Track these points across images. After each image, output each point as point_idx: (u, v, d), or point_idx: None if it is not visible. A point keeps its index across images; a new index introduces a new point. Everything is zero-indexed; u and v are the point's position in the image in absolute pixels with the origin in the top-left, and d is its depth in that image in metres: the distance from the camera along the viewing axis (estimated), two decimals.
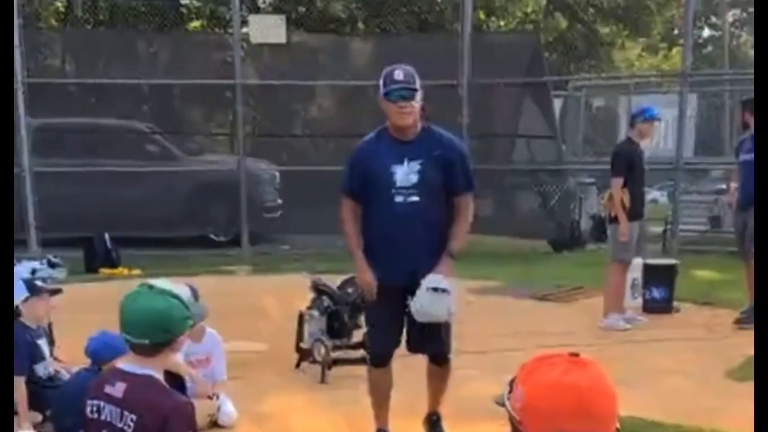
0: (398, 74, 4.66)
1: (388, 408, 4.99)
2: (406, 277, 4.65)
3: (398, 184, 4.65)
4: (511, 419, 1.82)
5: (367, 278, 4.77)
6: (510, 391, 1.84)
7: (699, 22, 30.58)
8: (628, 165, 7.94)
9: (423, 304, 4.61)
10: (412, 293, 4.65)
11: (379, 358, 4.95)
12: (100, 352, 4.78)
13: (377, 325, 4.97)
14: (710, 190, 16.28)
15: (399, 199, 4.65)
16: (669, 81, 18.41)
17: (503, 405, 1.85)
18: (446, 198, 4.75)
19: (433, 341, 4.84)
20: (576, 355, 1.83)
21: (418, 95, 4.67)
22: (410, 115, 4.65)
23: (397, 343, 4.89)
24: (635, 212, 7.98)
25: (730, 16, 31.41)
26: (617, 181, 7.91)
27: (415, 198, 4.64)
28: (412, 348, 4.93)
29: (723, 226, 13.96)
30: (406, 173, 4.65)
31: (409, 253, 4.65)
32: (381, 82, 4.68)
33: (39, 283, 5.90)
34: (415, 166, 4.65)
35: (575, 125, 17.24)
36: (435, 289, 4.60)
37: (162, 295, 2.91)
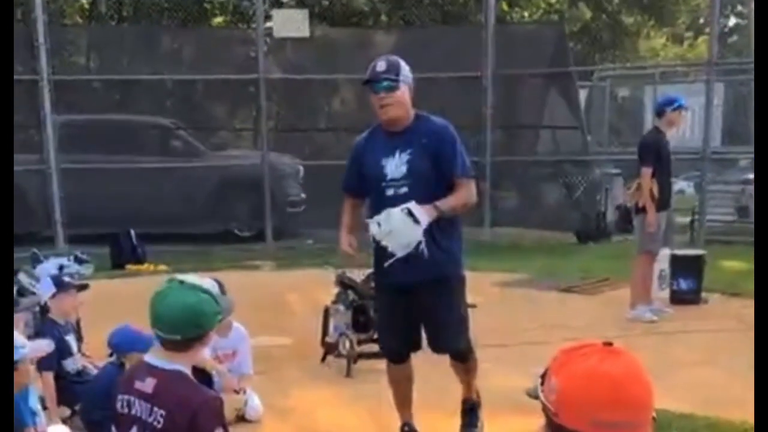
0: (380, 65, 4.51)
1: (410, 403, 4.94)
2: (399, 274, 4.48)
3: (389, 176, 4.52)
4: (546, 411, 1.80)
5: (342, 244, 4.70)
6: (542, 383, 1.82)
7: (725, 10, 30.25)
8: (656, 155, 7.87)
9: (391, 222, 4.35)
10: (410, 290, 4.51)
11: (391, 356, 4.88)
12: (122, 345, 4.89)
13: (383, 325, 4.92)
14: (737, 180, 16.11)
15: (390, 192, 4.51)
16: (695, 70, 18.25)
17: (536, 397, 1.83)
18: (441, 187, 4.56)
19: (448, 340, 4.70)
20: (609, 344, 1.81)
21: (404, 86, 4.51)
22: (393, 107, 4.50)
23: (408, 342, 4.76)
24: (662, 202, 7.91)
25: None
26: (646, 171, 7.83)
27: (405, 189, 4.49)
28: (430, 345, 4.81)
29: (751, 216, 13.83)
30: (396, 165, 4.53)
31: None
32: (367, 75, 4.55)
33: (66, 278, 5.94)
34: (405, 156, 4.52)
35: (600, 115, 17.14)
36: (410, 214, 4.36)
37: (193, 290, 2.92)
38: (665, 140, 8.05)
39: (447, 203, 4.50)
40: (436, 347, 4.77)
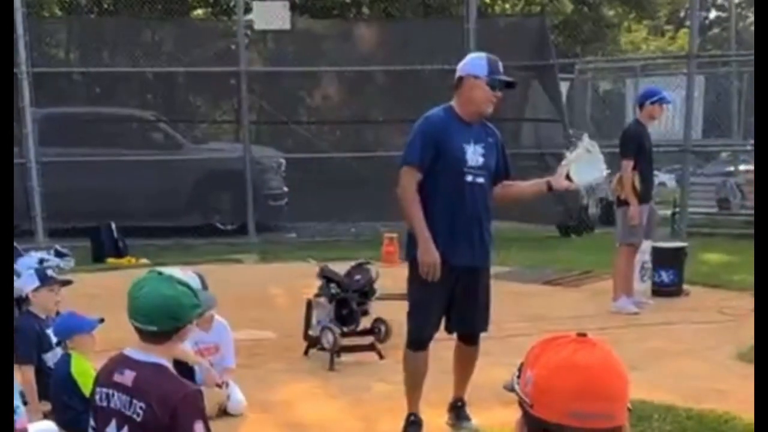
0: (502, 67, 4.83)
1: (421, 393, 4.96)
2: (462, 256, 4.71)
3: (468, 163, 4.76)
4: (522, 404, 1.79)
5: (433, 258, 4.65)
6: (518, 376, 1.82)
7: (705, 2, 30.38)
8: (638, 147, 7.89)
9: (586, 167, 4.93)
10: (462, 273, 4.71)
11: (420, 341, 4.87)
12: (62, 331, 4.95)
13: (423, 306, 4.82)
14: (719, 172, 16.21)
15: (469, 178, 4.76)
16: (676, 63, 18.31)
17: (513, 390, 1.83)
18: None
19: (482, 321, 4.92)
20: (583, 335, 1.80)
21: None
22: (494, 105, 4.83)
23: (438, 325, 4.89)
24: (644, 195, 7.92)
25: None
26: (627, 164, 7.85)
27: (481, 179, 4.79)
28: (459, 326, 4.92)
29: (732, 209, 13.93)
30: (473, 153, 4.78)
31: (470, 234, 4.76)
32: (484, 66, 4.76)
33: (50, 272, 5.89)
34: (479, 149, 4.80)
35: (582, 108, 17.17)
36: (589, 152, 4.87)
37: (170, 282, 2.91)
38: (647, 133, 8.07)
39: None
40: (469, 327, 4.93)
